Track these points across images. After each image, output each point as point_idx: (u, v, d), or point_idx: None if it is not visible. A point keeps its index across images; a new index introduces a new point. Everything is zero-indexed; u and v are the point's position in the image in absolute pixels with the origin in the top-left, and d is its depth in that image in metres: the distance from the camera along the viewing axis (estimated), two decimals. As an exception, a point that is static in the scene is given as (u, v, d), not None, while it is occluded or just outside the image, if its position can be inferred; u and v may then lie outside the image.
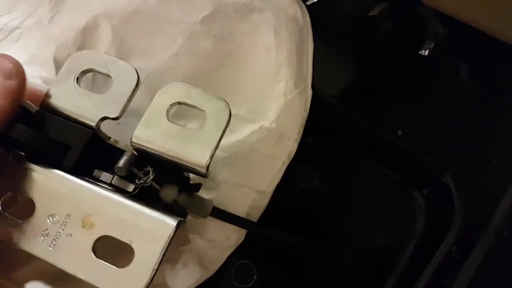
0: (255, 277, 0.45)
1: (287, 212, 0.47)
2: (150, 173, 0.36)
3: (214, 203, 0.41)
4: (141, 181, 0.36)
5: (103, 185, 0.37)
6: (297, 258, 0.47)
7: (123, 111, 0.37)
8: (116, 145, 0.38)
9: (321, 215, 0.49)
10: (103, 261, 0.33)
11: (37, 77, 0.47)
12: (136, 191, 0.37)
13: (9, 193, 0.35)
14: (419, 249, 0.46)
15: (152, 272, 0.32)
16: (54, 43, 0.47)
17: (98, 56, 0.39)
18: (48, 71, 0.47)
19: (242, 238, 0.44)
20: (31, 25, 0.48)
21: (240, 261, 0.45)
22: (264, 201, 0.44)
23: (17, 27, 0.49)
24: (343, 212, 0.49)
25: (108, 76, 0.38)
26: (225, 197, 0.43)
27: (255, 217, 0.44)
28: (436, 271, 0.43)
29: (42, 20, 0.48)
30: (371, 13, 0.53)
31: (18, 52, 0.48)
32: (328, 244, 0.48)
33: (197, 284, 0.42)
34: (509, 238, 0.43)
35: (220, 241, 0.43)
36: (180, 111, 0.40)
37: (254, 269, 0.45)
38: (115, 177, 0.37)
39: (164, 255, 0.32)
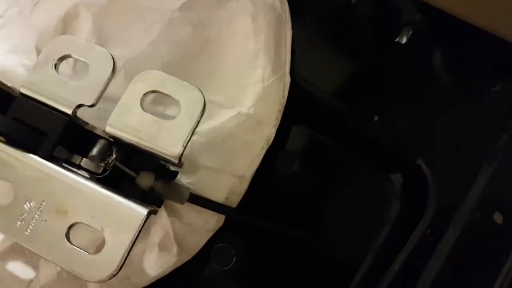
0: (234, 260, 0.46)
1: (267, 197, 0.48)
2: (113, 153, 0.36)
3: (193, 188, 0.42)
4: (105, 162, 0.36)
5: (72, 168, 0.37)
6: (275, 242, 0.48)
7: (98, 98, 0.37)
8: (93, 131, 0.39)
9: (299, 201, 0.50)
10: (76, 247, 0.34)
11: (19, 65, 0.47)
12: (105, 174, 0.37)
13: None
14: (394, 232, 0.47)
15: (121, 259, 0.33)
16: (36, 32, 0.47)
17: (76, 42, 0.39)
18: (30, 59, 0.47)
19: (221, 222, 0.45)
20: (14, 14, 0.49)
21: (219, 244, 0.46)
22: (243, 186, 0.45)
23: (0, 16, 0.49)
24: (320, 197, 0.50)
25: (85, 62, 0.39)
26: (204, 182, 0.44)
27: (234, 201, 0.45)
28: (411, 254, 0.44)
29: (24, 9, 0.49)
30: (352, 1, 0.53)
31: (2, 41, 0.49)
32: (305, 228, 0.48)
33: (174, 267, 0.43)
34: (482, 220, 0.44)
35: (198, 225, 0.44)
36: (159, 96, 0.41)
37: (233, 251, 0.46)
38: (83, 159, 0.37)
39: (134, 243, 0.33)
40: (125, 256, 0.33)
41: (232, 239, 0.46)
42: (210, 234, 0.45)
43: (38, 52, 0.47)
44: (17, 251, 0.42)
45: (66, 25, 0.47)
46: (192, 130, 0.36)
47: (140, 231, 0.34)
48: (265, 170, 0.46)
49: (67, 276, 0.41)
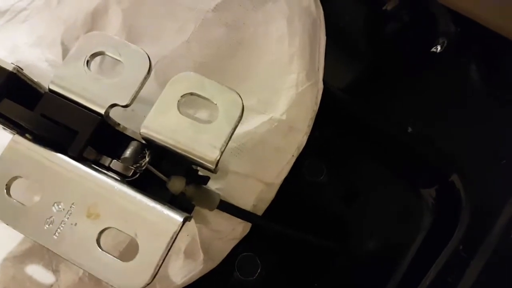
0: (259, 270, 0.44)
1: (293, 205, 0.47)
2: (146, 156, 0.35)
3: (221, 193, 0.41)
4: (137, 164, 0.35)
5: (101, 169, 0.36)
6: (302, 252, 0.46)
7: (133, 99, 0.36)
8: (124, 132, 0.37)
9: (327, 210, 0.49)
10: (107, 254, 0.32)
11: (43, 60, 0.46)
12: (136, 176, 0.36)
13: (14, 177, 0.35)
14: (425, 246, 0.46)
15: (156, 268, 0.31)
16: (63, 25, 0.46)
17: (110, 39, 0.38)
18: (54, 54, 0.46)
19: (247, 230, 0.43)
20: (40, 6, 0.47)
21: (245, 253, 0.44)
22: (271, 193, 0.44)
23: (24, 8, 0.48)
24: (349, 208, 0.49)
25: (119, 60, 0.37)
26: (232, 188, 0.42)
27: (261, 209, 0.44)
28: (442, 269, 0.43)
29: (50, 1, 0.47)
30: (384, 7, 0.52)
31: (25, 33, 0.47)
32: (333, 239, 0.47)
33: (200, 275, 0.42)
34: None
35: (225, 232, 0.42)
36: (189, 99, 0.39)
37: (258, 261, 0.44)
38: (114, 160, 0.36)
39: (169, 250, 0.32)
40: (160, 264, 0.32)
41: (257, 248, 0.45)
42: (236, 242, 0.43)
43: (64, 46, 0.45)
44: (36, 254, 0.40)
45: (94, 20, 0.45)
46: (230, 135, 0.34)
47: (175, 238, 0.32)
48: (292, 178, 0.44)
49: (89, 281, 0.40)
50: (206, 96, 0.35)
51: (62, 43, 0.45)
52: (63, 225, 0.33)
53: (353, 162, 0.50)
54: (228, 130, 0.34)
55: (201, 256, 0.41)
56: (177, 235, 0.32)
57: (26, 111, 0.35)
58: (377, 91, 0.51)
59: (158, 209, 0.33)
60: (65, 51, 0.46)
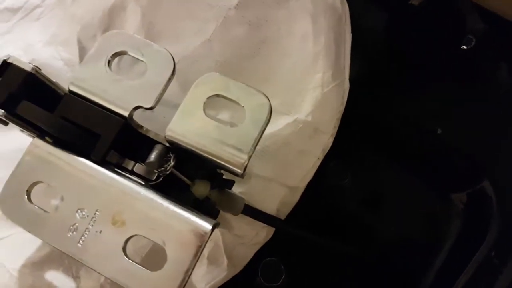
0: (283, 276, 0.43)
1: (317, 209, 0.46)
2: (171, 159, 0.34)
3: (244, 197, 0.39)
4: (162, 168, 0.34)
5: (125, 173, 0.35)
6: (327, 257, 0.45)
7: (158, 101, 0.34)
8: (147, 134, 0.36)
9: (351, 214, 0.47)
10: (134, 263, 0.31)
11: (58, 59, 0.44)
12: (159, 180, 0.35)
13: (35, 182, 0.33)
14: (455, 253, 0.44)
15: (184, 277, 0.30)
16: (78, 23, 0.44)
17: (131, 38, 0.36)
18: (70, 53, 0.44)
19: (270, 235, 0.42)
20: (53, 3, 0.46)
21: (268, 258, 0.43)
22: (295, 197, 0.42)
23: (38, 5, 0.46)
24: (374, 212, 0.47)
25: (141, 60, 0.36)
26: (255, 191, 0.41)
27: (284, 213, 0.43)
28: (473, 276, 0.42)
29: (65, -2, 0.46)
30: (410, 1, 0.50)
31: (39, 31, 0.46)
32: (357, 244, 0.46)
33: (224, 281, 0.41)
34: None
35: (248, 237, 0.41)
36: (213, 100, 0.38)
37: (282, 267, 0.43)
38: (137, 164, 0.35)
39: (198, 259, 0.31)
40: (189, 274, 0.31)
41: (280, 253, 0.44)
42: (259, 246, 0.42)
43: (80, 45, 0.44)
44: (55, 260, 0.39)
45: (112, 17, 0.44)
46: (258, 139, 0.33)
47: (204, 247, 0.31)
48: (315, 180, 0.43)
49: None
50: (233, 98, 0.34)
51: (79, 42, 0.44)
52: (87, 233, 0.32)
53: (378, 165, 0.49)
54: (256, 133, 0.33)
55: (225, 262, 0.40)
56: (206, 243, 0.31)
57: (46, 113, 0.34)
58: (403, 91, 0.50)
59: (186, 216, 0.32)
60: (81, 50, 0.44)
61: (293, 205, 0.43)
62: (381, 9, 0.51)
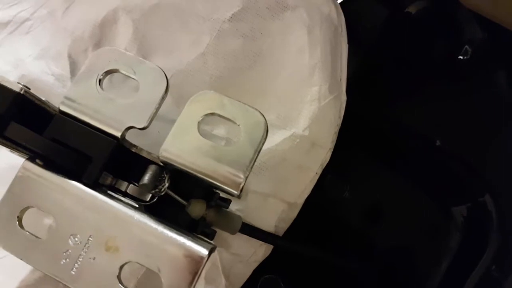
0: (282, 293, 0.42)
1: (315, 223, 0.45)
2: (165, 180, 0.33)
3: (241, 214, 0.39)
4: (156, 189, 0.33)
5: (118, 194, 0.34)
6: (326, 272, 0.44)
7: (151, 121, 0.33)
8: (141, 154, 0.35)
9: (350, 228, 0.46)
10: None
11: (49, 74, 0.43)
12: (153, 201, 0.34)
13: (26, 207, 0.33)
14: (455, 266, 0.44)
15: None
16: (69, 37, 0.43)
17: (123, 55, 0.35)
18: (61, 67, 0.43)
19: (269, 252, 0.42)
20: (43, 16, 0.45)
21: (267, 276, 0.42)
22: (293, 213, 0.42)
23: (27, 19, 0.45)
24: (374, 226, 0.46)
25: (133, 79, 0.35)
26: (253, 208, 0.40)
27: (283, 229, 0.42)
28: (474, 289, 0.41)
29: (55, 11, 0.45)
30: (407, 9, 0.49)
31: (29, 45, 0.45)
32: (356, 258, 0.45)
33: (222, 301, 0.40)
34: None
35: (246, 255, 0.41)
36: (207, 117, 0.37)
37: (282, 284, 0.42)
38: (130, 185, 0.34)
39: (195, 285, 0.30)
40: (185, 301, 0.30)
41: (279, 270, 0.43)
42: (257, 264, 0.42)
43: (71, 60, 0.43)
44: (49, 282, 0.38)
45: (103, 31, 0.43)
46: (254, 158, 0.32)
47: (201, 273, 0.30)
48: (313, 194, 0.42)
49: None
50: (228, 117, 0.33)
51: (69, 56, 0.43)
52: (80, 259, 0.31)
53: (377, 177, 0.48)
54: (252, 153, 0.32)
55: (222, 281, 0.39)
56: (203, 268, 0.30)
57: (36, 135, 0.33)
58: (401, 101, 0.49)
59: (181, 241, 0.31)
60: (72, 65, 0.43)
61: (292, 220, 0.42)
62: (379, 16, 0.50)
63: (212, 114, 0.33)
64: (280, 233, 0.42)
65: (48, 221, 0.33)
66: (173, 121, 0.33)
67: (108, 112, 0.34)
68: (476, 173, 0.44)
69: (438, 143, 0.45)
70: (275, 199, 0.41)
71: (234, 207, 0.40)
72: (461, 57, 0.47)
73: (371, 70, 0.50)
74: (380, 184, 0.47)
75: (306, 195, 0.41)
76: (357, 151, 0.47)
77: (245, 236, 0.40)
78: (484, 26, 0.47)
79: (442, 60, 0.48)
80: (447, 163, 0.46)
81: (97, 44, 0.43)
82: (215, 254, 0.39)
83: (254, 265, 0.41)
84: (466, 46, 0.47)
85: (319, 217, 0.46)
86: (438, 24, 0.49)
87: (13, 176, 0.33)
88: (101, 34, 0.43)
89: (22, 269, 0.38)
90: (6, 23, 0.45)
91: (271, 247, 0.41)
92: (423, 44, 0.49)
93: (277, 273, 0.43)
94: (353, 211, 0.47)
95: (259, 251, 0.41)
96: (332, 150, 0.41)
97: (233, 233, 0.37)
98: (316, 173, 0.41)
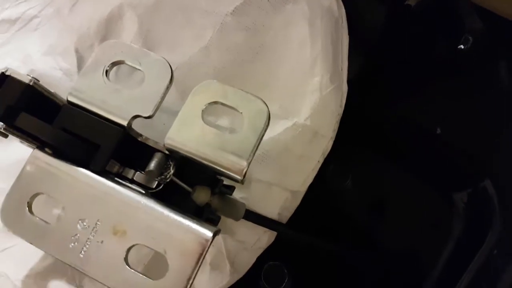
0: (286, 280, 0.43)
1: (317, 212, 0.46)
2: (171, 167, 0.34)
3: (245, 202, 0.39)
4: (161, 176, 0.34)
5: (125, 182, 0.35)
6: (329, 260, 0.45)
7: (156, 109, 0.35)
8: (147, 143, 0.36)
9: (352, 217, 0.47)
10: (136, 272, 0.31)
11: (57, 69, 0.45)
12: (159, 188, 0.35)
13: (36, 194, 0.34)
14: (457, 252, 0.44)
15: (186, 285, 0.30)
16: (76, 33, 0.45)
17: (128, 47, 0.36)
18: (69, 62, 0.45)
19: (273, 239, 0.42)
20: (50, 14, 0.46)
21: (271, 262, 0.43)
22: (296, 201, 0.42)
23: (35, 16, 0.47)
24: (376, 215, 0.47)
25: (139, 69, 0.36)
26: (256, 196, 0.41)
27: (286, 217, 0.43)
28: (476, 274, 0.41)
29: (62, 8, 0.46)
30: (407, 2, 0.50)
31: (37, 41, 0.46)
32: (359, 247, 0.46)
33: (227, 287, 0.41)
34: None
35: (251, 242, 0.41)
36: (211, 106, 0.38)
37: (285, 271, 0.43)
38: (137, 172, 0.35)
39: (199, 266, 0.31)
40: (191, 282, 0.31)
41: (283, 257, 0.43)
42: (261, 251, 0.42)
43: (78, 55, 0.44)
44: (59, 270, 0.39)
45: (109, 27, 0.44)
46: (257, 145, 0.33)
47: (205, 254, 0.31)
48: (316, 184, 0.43)
49: (115, 297, 0.39)
50: (231, 105, 0.34)
51: (76, 51, 0.44)
52: (89, 243, 0.32)
53: (379, 167, 0.48)
54: (254, 140, 0.33)
55: (227, 267, 0.40)
56: (207, 250, 0.31)
57: (45, 125, 0.34)
58: (401, 92, 0.49)
59: (186, 224, 0.32)
60: (79, 60, 0.44)
61: (294, 209, 0.43)
62: (378, 10, 0.51)
63: (216, 102, 0.34)
64: (284, 221, 0.42)
65: (56, 211, 0.34)
66: (178, 113, 0.34)
67: (115, 102, 0.35)
68: (476, 158, 0.45)
69: (438, 131, 0.46)
70: (278, 187, 0.41)
71: (238, 195, 0.40)
72: (462, 46, 0.48)
73: (371, 62, 0.51)
74: (381, 174, 0.48)
75: (308, 183, 0.42)
76: (359, 142, 0.48)
77: (249, 224, 0.40)
78: (484, 17, 0.47)
79: (443, 50, 0.49)
80: (447, 150, 0.46)
81: (103, 40, 0.44)
82: (220, 241, 0.40)
83: (259, 252, 0.42)
84: (466, 35, 0.47)
85: (321, 208, 0.46)
86: (439, 16, 0.49)
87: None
88: (106, 30, 0.44)
89: (31, 258, 0.39)
90: (15, 20, 0.46)
91: (274, 234, 0.42)
92: (424, 37, 0.49)
93: (281, 260, 0.44)
94: (355, 201, 0.47)
95: (263, 238, 0.41)
96: (333, 139, 0.42)
97: (237, 219, 0.38)
98: (318, 161, 0.42)
